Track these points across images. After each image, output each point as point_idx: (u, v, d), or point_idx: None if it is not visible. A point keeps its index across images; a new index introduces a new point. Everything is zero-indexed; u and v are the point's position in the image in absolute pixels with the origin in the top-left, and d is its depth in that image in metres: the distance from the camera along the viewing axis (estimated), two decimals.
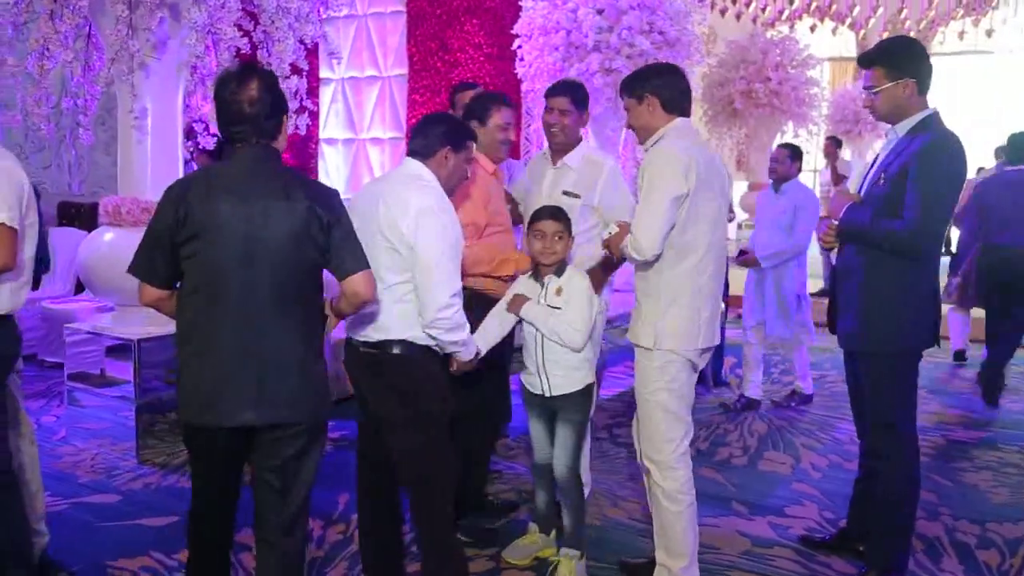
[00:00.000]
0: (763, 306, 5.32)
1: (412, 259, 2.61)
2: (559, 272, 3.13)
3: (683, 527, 2.97)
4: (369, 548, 2.99)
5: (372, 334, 2.71)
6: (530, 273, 3.19)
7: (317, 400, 2.40)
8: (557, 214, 3.13)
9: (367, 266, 2.41)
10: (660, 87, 2.91)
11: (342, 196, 2.50)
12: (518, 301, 3.12)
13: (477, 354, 2.89)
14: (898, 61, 2.99)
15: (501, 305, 3.18)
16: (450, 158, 2.78)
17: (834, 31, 11.66)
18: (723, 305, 3.89)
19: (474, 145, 2.91)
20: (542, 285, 3.14)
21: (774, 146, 6.14)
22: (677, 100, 2.92)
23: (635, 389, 3.00)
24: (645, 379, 2.94)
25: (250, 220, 2.26)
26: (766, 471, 4.38)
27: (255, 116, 2.32)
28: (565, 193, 3.46)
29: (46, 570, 3.12)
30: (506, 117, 3.43)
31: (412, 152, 2.80)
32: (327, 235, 2.33)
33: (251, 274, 2.27)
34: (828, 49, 12.84)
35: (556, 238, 3.08)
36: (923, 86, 2.99)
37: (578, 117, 3.51)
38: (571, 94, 3.51)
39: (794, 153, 5.35)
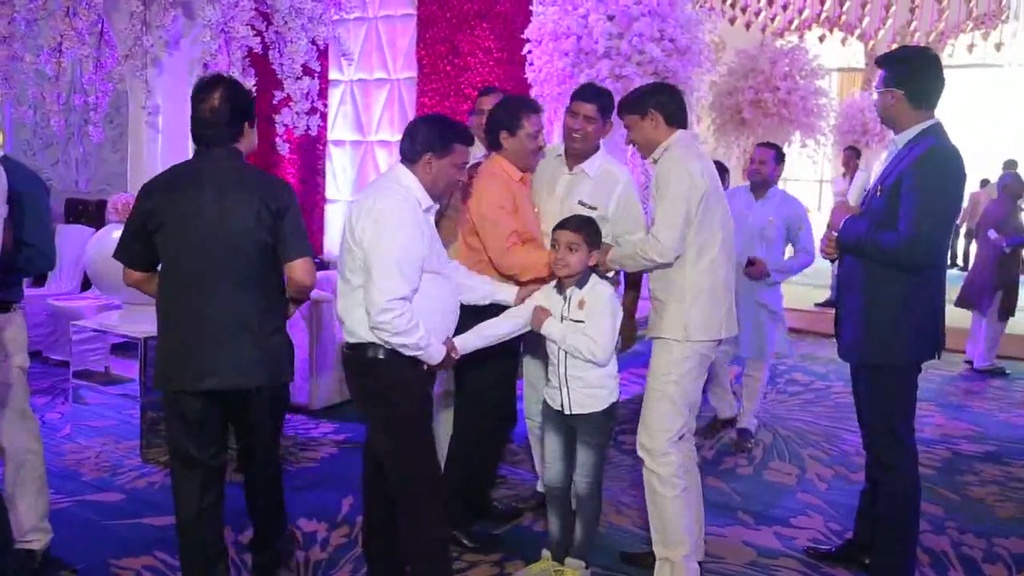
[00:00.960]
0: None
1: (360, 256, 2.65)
2: (581, 284, 3.02)
3: (677, 512, 3.03)
4: (373, 547, 2.98)
5: (347, 337, 2.75)
6: (555, 284, 3.08)
7: (273, 367, 2.74)
8: (578, 224, 3.02)
9: (308, 254, 2.70)
10: (662, 103, 3.07)
11: (349, 198, 2.57)
12: (539, 316, 3.03)
13: (451, 353, 2.85)
14: (894, 70, 2.99)
15: (516, 310, 3.10)
16: (433, 163, 2.73)
17: (843, 41, 11.64)
18: None
19: (464, 149, 2.81)
20: (564, 298, 3.04)
21: (751, 145, 5.63)
22: (677, 114, 3.09)
23: (647, 380, 3.11)
24: (659, 369, 3.06)
25: (209, 209, 2.62)
26: (772, 481, 4.36)
27: (216, 122, 2.70)
28: (581, 203, 3.35)
29: (49, 568, 3.12)
30: (536, 124, 3.32)
31: (400, 156, 2.80)
32: (276, 223, 2.65)
33: (210, 257, 2.63)
34: (837, 60, 12.84)
35: (568, 249, 2.98)
36: (916, 98, 2.95)
37: (601, 126, 3.39)
38: (599, 101, 3.38)
39: (779, 154, 4.84)
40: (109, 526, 3.55)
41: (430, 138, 2.74)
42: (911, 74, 2.96)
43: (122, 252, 2.81)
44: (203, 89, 2.74)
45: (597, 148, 3.44)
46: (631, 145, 3.17)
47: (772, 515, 3.91)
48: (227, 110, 2.70)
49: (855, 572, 3.33)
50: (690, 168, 2.95)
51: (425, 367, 2.76)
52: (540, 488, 3.72)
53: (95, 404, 4.85)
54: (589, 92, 3.42)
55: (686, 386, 3.06)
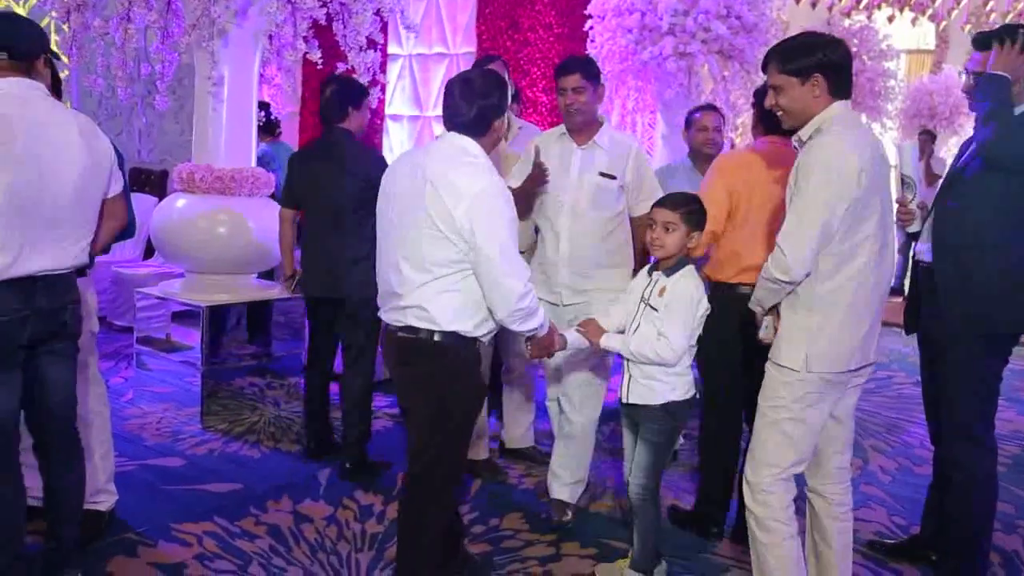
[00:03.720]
0: None
1: (469, 249, 2.42)
2: (672, 270, 2.81)
3: (776, 563, 2.56)
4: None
5: (415, 323, 2.51)
6: (651, 264, 2.93)
7: (361, 285, 3.51)
8: (676, 202, 2.82)
9: None
10: (831, 65, 2.43)
11: None
12: (593, 331, 2.88)
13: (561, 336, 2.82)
14: None
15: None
16: (495, 128, 2.56)
17: (913, 22, 11.26)
18: None
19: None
20: (651, 280, 2.86)
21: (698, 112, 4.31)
22: (844, 82, 2.46)
23: (758, 399, 2.61)
24: (771, 394, 2.55)
25: (324, 173, 3.80)
26: None
27: (327, 108, 3.84)
28: (602, 175, 3.28)
29: (114, 529, 3.18)
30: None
31: (457, 125, 2.52)
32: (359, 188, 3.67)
33: (321, 206, 3.83)
34: (906, 41, 12.45)
35: (665, 229, 2.78)
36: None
37: (593, 93, 3.27)
38: (581, 69, 3.27)
39: (723, 119, 4.25)
40: (171, 491, 3.61)
41: (500, 102, 2.54)
42: None
43: (285, 197, 4.02)
44: (323, 84, 3.94)
45: (601, 123, 3.36)
46: (775, 108, 2.54)
47: None
48: (335, 100, 3.83)
49: (921, 568, 3.24)
50: (843, 164, 2.34)
51: (533, 352, 2.77)
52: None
53: (157, 370, 4.92)
54: (568, 64, 3.33)
55: (803, 415, 2.51)
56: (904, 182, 3.01)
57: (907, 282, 3.54)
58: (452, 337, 2.50)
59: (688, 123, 4.26)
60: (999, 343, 2.92)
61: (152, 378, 4.90)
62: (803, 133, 2.48)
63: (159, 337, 5.12)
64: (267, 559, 3.10)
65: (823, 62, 2.43)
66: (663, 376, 2.82)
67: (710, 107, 4.26)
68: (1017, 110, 2.82)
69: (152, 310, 5.10)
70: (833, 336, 2.46)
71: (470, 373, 2.60)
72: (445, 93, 2.56)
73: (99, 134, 2.69)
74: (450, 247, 2.43)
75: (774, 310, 2.58)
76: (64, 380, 2.69)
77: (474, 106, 2.50)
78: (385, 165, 3.08)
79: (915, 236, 3.08)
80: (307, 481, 3.76)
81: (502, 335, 3.65)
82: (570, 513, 3.46)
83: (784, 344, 2.52)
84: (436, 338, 2.50)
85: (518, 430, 4.14)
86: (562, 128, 3.38)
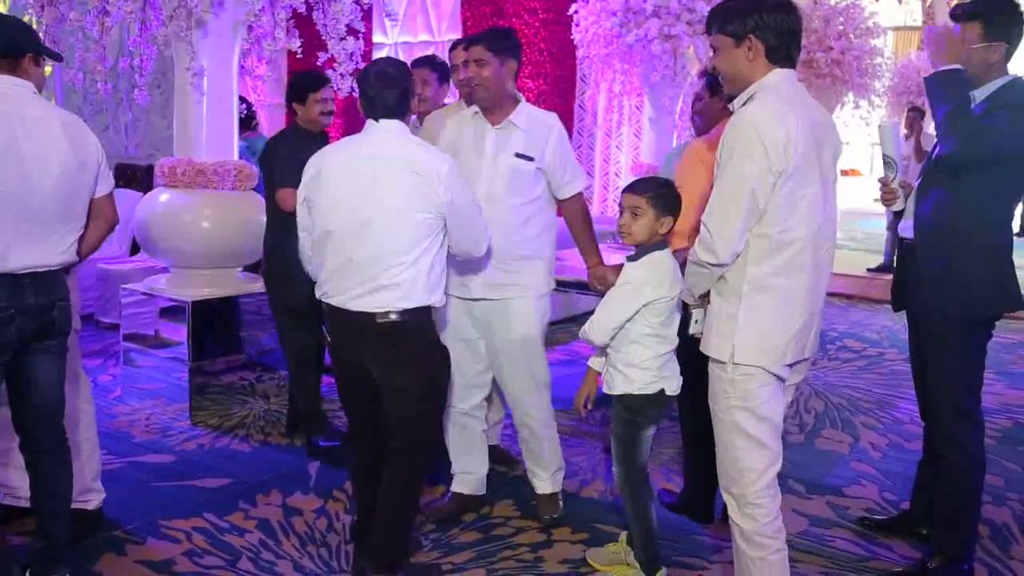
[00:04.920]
0: None
1: (448, 216, 2.67)
2: (636, 256, 2.74)
3: None
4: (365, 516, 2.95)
5: (402, 304, 2.62)
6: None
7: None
8: (643, 187, 2.72)
9: None
10: (768, 27, 2.27)
11: None
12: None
13: None
14: (1000, 20, 2.76)
15: None
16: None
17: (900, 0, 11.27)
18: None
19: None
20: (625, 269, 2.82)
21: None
22: (785, 46, 2.29)
23: (709, 405, 2.47)
24: (718, 395, 2.41)
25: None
26: (824, 449, 4.26)
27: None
28: (519, 156, 3.08)
29: (102, 527, 3.16)
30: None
31: (385, 112, 2.68)
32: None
33: None
34: (893, 18, 12.43)
35: (632, 214, 2.69)
36: (1011, 52, 2.82)
37: (500, 67, 3.05)
38: (487, 41, 3.07)
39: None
40: (160, 487, 3.59)
41: (412, 86, 2.78)
42: (1017, 26, 2.78)
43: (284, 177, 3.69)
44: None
45: (516, 101, 3.15)
46: (715, 71, 2.44)
47: (825, 484, 3.82)
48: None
49: (912, 544, 3.24)
50: (769, 133, 2.18)
51: None
52: (456, 488, 3.45)
53: (145, 367, 4.90)
54: (478, 35, 3.19)
55: (758, 409, 2.34)
56: (885, 162, 2.99)
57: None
58: (425, 311, 2.70)
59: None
60: (986, 325, 2.91)
61: (140, 375, 4.87)
62: (736, 103, 2.35)
63: (147, 333, 5.09)
64: (256, 553, 3.09)
65: (760, 24, 2.27)
66: (621, 367, 2.75)
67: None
68: (983, 92, 2.79)
69: (139, 306, 5.07)
70: (764, 326, 2.30)
71: (438, 341, 2.86)
72: (363, 83, 2.70)
73: (86, 134, 2.69)
74: (426, 225, 2.62)
75: (705, 300, 2.46)
76: (52, 378, 2.69)
77: (395, 91, 2.68)
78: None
79: (901, 214, 3.07)
80: (297, 474, 3.75)
81: None
82: (560, 504, 3.43)
83: (713, 334, 2.38)
84: (412, 316, 2.65)
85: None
86: (475, 107, 3.18)
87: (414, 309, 2.65)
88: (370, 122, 2.71)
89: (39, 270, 2.56)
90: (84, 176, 2.66)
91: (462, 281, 3.17)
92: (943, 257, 2.84)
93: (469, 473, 3.43)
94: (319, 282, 2.76)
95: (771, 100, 2.26)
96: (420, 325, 2.69)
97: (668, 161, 4.01)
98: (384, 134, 2.69)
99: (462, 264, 3.08)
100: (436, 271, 2.69)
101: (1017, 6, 2.83)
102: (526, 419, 3.32)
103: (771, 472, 2.40)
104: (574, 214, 3.28)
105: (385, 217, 2.58)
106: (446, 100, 4.13)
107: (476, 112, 3.17)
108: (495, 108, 3.12)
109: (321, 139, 3.79)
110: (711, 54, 2.44)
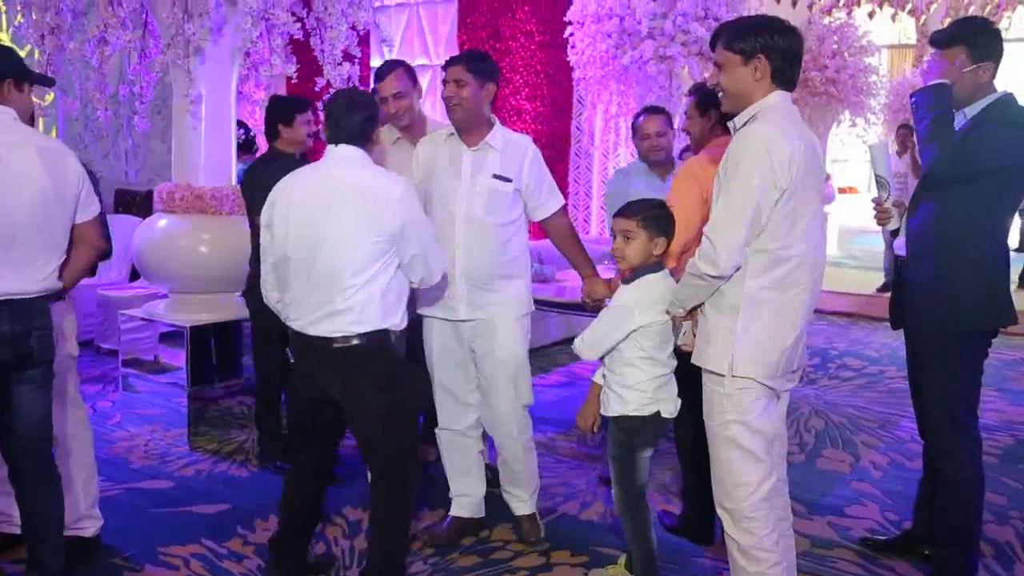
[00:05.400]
0: None
1: (401, 244, 2.68)
2: (630, 279, 2.74)
3: None
4: (284, 548, 2.95)
5: (355, 328, 2.66)
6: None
7: None
8: (634, 209, 2.72)
9: None
10: (776, 48, 2.34)
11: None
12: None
13: None
14: (982, 41, 2.80)
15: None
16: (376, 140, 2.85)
17: (893, 17, 11.27)
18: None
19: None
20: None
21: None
22: (789, 68, 2.37)
23: (704, 419, 2.52)
24: (713, 409, 2.46)
25: None
26: (825, 469, 4.25)
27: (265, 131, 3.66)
28: (496, 177, 3.09)
29: (100, 554, 3.15)
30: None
31: (346, 138, 2.73)
32: None
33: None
34: (887, 36, 12.50)
35: (624, 237, 2.70)
36: (996, 69, 2.85)
37: (477, 89, 3.08)
38: (465, 63, 3.10)
39: (671, 120, 3.93)
40: (158, 514, 3.58)
41: (376, 113, 2.81)
42: (999, 43, 2.82)
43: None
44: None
45: (491, 123, 3.17)
46: (716, 88, 2.48)
47: (826, 504, 3.81)
48: (266, 121, 3.93)
49: (914, 564, 3.22)
50: (776, 150, 2.25)
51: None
52: (455, 512, 3.44)
53: (144, 392, 4.90)
54: (457, 56, 3.21)
55: (753, 423, 2.40)
56: (878, 182, 3.01)
57: None
58: (382, 335, 2.70)
59: (633, 129, 3.97)
60: (979, 339, 2.90)
61: (139, 400, 4.87)
62: (738, 120, 2.41)
63: (146, 359, 5.10)
64: None
65: (769, 45, 2.34)
66: (617, 388, 2.75)
67: (654, 110, 3.93)
68: (973, 109, 2.82)
69: (139, 332, 5.08)
70: (760, 339, 2.36)
71: (401, 362, 2.85)
72: (330, 108, 2.76)
73: (66, 160, 2.67)
74: (377, 249, 2.63)
75: (693, 314, 2.52)
76: (36, 408, 2.66)
77: (360, 117, 2.73)
78: None
79: (897, 233, 3.08)
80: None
81: None
82: (541, 525, 3.42)
83: (710, 347, 2.42)
84: (368, 340, 2.66)
85: None
86: (450, 129, 3.19)
87: (368, 333, 2.66)
88: (330, 148, 2.76)
89: (15, 297, 2.54)
90: (62, 203, 2.64)
91: (448, 303, 3.18)
92: (932, 270, 2.86)
93: (466, 496, 3.41)
94: (283, 307, 2.83)
95: (776, 119, 2.33)
96: (377, 348, 2.69)
97: (617, 180, 3.96)
98: (341, 160, 2.73)
99: (446, 287, 3.11)
100: (391, 296, 2.70)
101: (990, 23, 2.88)
102: (509, 440, 3.30)
103: (765, 486, 2.44)
104: (559, 229, 3.30)
105: (336, 242, 2.63)
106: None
107: (451, 134, 3.18)
108: (471, 129, 3.14)
109: (300, 162, 3.82)
110: (712, 70, 2.50)
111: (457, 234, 3.10)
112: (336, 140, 2.74)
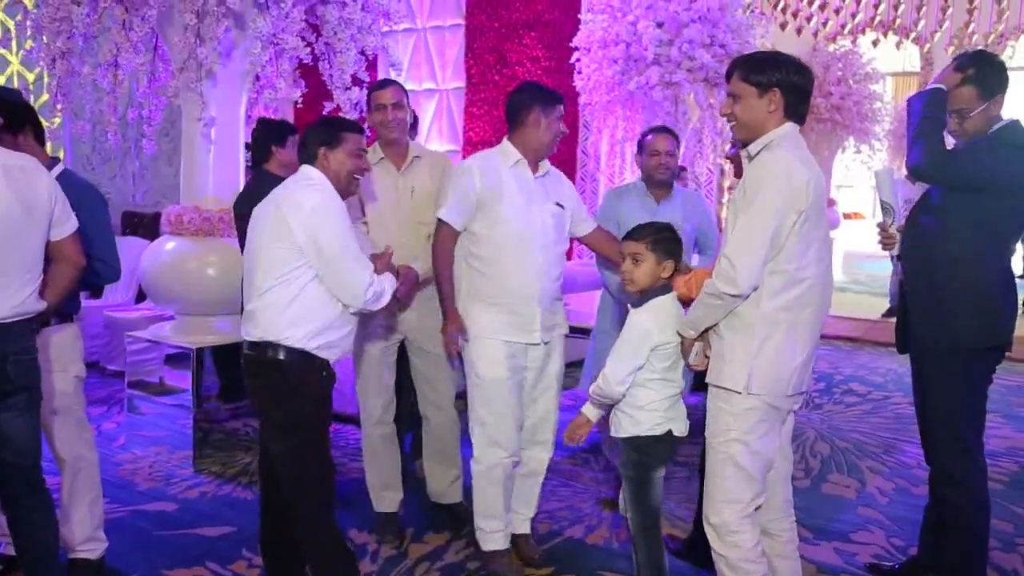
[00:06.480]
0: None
1: (313, 257, 2.59)
2: (639, 302, 2.73)
3: None
4: (269, 555, 2.90)
5: (249, 337, 2.66)
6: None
7: None
8: (642, 232, 2.75)
9: None
10: (790, 84, 2.44)
11: None
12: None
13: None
14: (993, 78, 2.86)
15: None
16: (328, 156, 2.74)
17: (898, 45, 11.37)
18: None
19: (357, 137, 2.77)
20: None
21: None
22: (800, 104, 2.48)
23: (705, 437, 2.58)
24: (718, 426, 2.51)
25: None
26: (830, 494, 4.23)
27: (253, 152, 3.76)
28: (557, 204, 3.25)
29: None
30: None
31: (303, 159, 2.80)
32: None
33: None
34: (892, 63, 12.57)
35: (633, 260, 2.73)
36: (1003, 97, 2.91)
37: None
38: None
39: (678, 142, 3.91)
40: (162, 536, 3.57)
41: (326, 136, 2.75)
42: (1003, 73, 2.89)
43: None
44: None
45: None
46: (727, 116, 2.54)
47: (831, 530, 3.79)
48: (257, 142, 3.99)
49: None
50: (794, 175, 2.34)
51: (325, 373, 2.70)
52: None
53: (150, 414, 4.90)
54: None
55: (754, 444, 2.48)
56: (883, 207, 3.03)
57: None
58: (283, 349, 2.62)
59: (640, 146, 3.92)
60: (979, 358, 2.91)
61: (145, 422, 4.87)
62: (752, 148, 2.48)
63: (152, 381, 5.10)
64: None
65: (784, 80, 2.44)
66: (626, 409, 2.74)
67: (663, 129, 3.90)
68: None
69: (144, 353, 5.09)
70: (774, 357, 2.43)
71: (306, 381, 2.66)
72: (309, 129, 2.82)
73: (35, 176, 2.58)
74: (282, 258, 2.59)
75: (705, 335, 2.56)
76: (22, 434, 2.60)
77: (307, 140, 2.76)
78: None
79: (902, 258, 3.10)
80: None
81: (418, 384, 3.65)
82: (538, 547, 3.43)
83: (725, 365, 2.48)
84: (280, 354, 2.62)
85: (439, 484, 3.79)
86: (518, 155, 3.19)
87: (261, 344, 2.62)
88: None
89: None
90: (32, 220, 2.55)
91: (526, 328, 3.17)
92: (930, 289, 2.89)
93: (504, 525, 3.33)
94: None
95: (791, 147, 2.43)
96: (270, 359, 2.62)
97: (608, 201, 3.94)
98: (299, 176, 2.75)
99: (524, 312, 3.14)
100: (296, 308, 2.60)
101: (996, 57, 2.93)
102: (546, 454, 3.39)
103: (754, 504, 2.52)
104: (602, 235, 3.47)
105: (256, 247, 2.67)
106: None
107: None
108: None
109: None
110: (726, 100, 2.56)
111: (536, 260, 3.15)
112: (305, 159, 2.78)
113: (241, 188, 4.85)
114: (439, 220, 3.18)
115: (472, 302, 3.17)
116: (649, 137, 3.86)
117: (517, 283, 3.14)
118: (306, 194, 2.64)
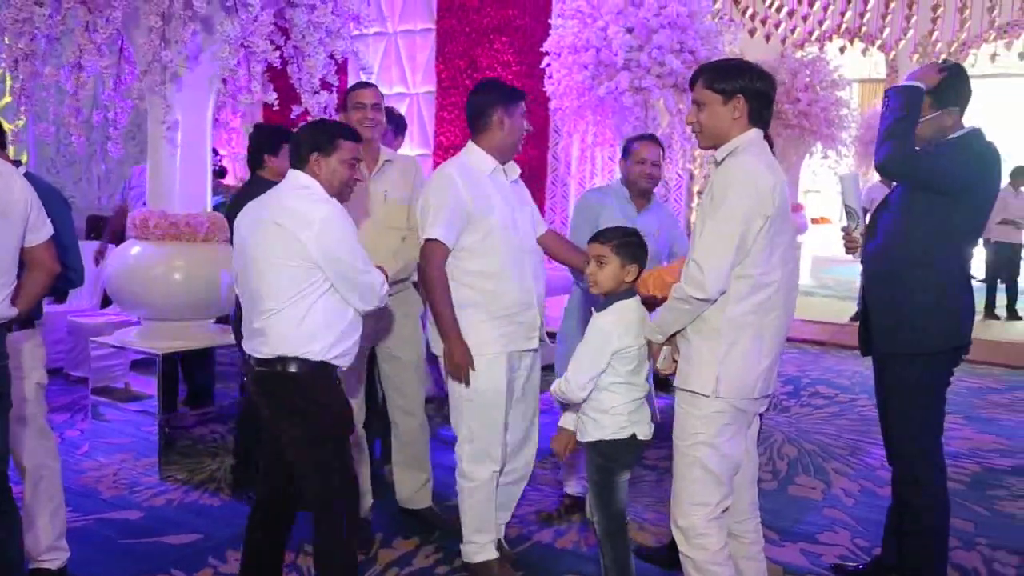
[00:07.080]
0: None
1: (324, 267, 2.58)
2: (603, 305, 2.75)
3: None
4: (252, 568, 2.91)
5: (260, 354, 2.63)
6: None
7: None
8: (607, 235, 2.78)
9: None
10: (754, 91, 2.48)
11: None
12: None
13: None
14: (955, 87, 2.92)
15: None
16: (321, 163, 2.69)
17: (864, 52, 11.53)
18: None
19: (352, 145, 2.72)
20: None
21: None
22: (764, 111, 2.51)
23: (673, 441, 2.60)
24: (685, 429, 2.53)
25: None
26: (797, 496, 4.27)
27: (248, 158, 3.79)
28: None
29: None
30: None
31: (293, 164, 2.76)
32: None
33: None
34: (858, 70, 12.74)
35: (597, 263, 2.75)
36: (963, 110, 2.96)
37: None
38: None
39: (663, 152, 3.87)
40: (127, 544, 3.53)
41: (315, 139, 2.71)
42: (965, 86, 2.95)
43: None
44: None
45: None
46: (692, 126, 2.58)
47: (798, 531, 3.83)
48: (251, 149, 3.92)
49: None
50: (760, 180, 2.38)
51: (336, 381, 2.71)
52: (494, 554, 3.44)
53: (114, 421, 4.84)
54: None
55: (722, 447, 2.50)
56: (847, 212, 3.07)
57: None
58: (298, 362, 2.60)
59: (625, 152, 3.82)
60: (939, 359, 2.95)
61: (109, 429, 4.81)
62: (719, 154, 2.51)
63: (117, 387, 5.04)
64: None
65: (748, 87, 2.48)
66: (591, 413, 2.75)
67: (650, 137, 3.86)
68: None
69: (110, 359, 5.03)
70: (741, 362, 2.45)
71: (323, 390, 2.67)
72: (297, 134, 2.79)
73: (9, 181, 2.52)
74: (292, 275, 2.57)
75: (673, 339, 2.58)
76: None
77: (299, 143, 2.72)
78: None
79: None
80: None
81: (387, 390, 3.66)
82: (512, 552, 3.43)
83: (693, 369, 2.49)
84: (292, 367, 2.60)
85: (409, 490, 3.75)
86: (495, 162, 3.16)
87: (275, 359, 2.61)
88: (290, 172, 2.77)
89: None
90: (6, 224, 2.49)
91: (528, 334, 3.16)
92: (890, 291, 2.94)
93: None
94: None
95: (757, 153, 2.47)
96: (286, 374, 2.61)
97: (590, 198, 3.85)
98: (287, 184, 2.72)
99: (526, 318, 3.12)
100: (311, 322, 2.59)
101: (960, 68, 2.96)
102: (529, 458, 3.38)
103: (721, 507, 2.54)
104: (555, 235, 3.41)
105: (257, 263, 2.63)
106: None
107: (496, 167, 3.13)
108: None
109: None
110: (691, 108, 2.59)
111: (531, 265, 3.15)
112: (295, 164, 2.75)
113: (209, 192, 4.82)
114: (428, 240, 3.01)
115: (467, 319, 3.05)
116: (637, 144, 3.78)
117: (520, 291, 3.10)
118: (311, 207, 2.60)
